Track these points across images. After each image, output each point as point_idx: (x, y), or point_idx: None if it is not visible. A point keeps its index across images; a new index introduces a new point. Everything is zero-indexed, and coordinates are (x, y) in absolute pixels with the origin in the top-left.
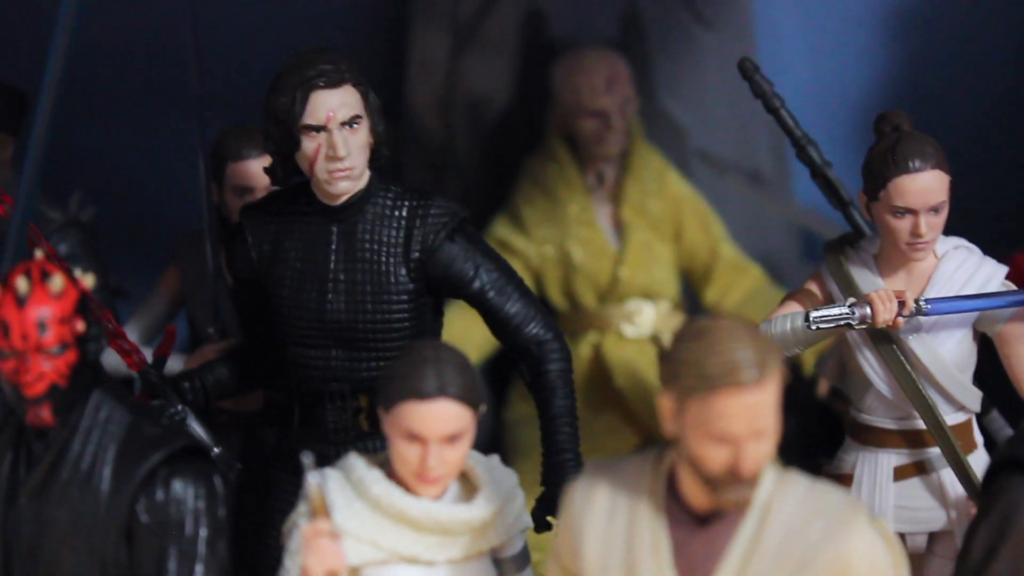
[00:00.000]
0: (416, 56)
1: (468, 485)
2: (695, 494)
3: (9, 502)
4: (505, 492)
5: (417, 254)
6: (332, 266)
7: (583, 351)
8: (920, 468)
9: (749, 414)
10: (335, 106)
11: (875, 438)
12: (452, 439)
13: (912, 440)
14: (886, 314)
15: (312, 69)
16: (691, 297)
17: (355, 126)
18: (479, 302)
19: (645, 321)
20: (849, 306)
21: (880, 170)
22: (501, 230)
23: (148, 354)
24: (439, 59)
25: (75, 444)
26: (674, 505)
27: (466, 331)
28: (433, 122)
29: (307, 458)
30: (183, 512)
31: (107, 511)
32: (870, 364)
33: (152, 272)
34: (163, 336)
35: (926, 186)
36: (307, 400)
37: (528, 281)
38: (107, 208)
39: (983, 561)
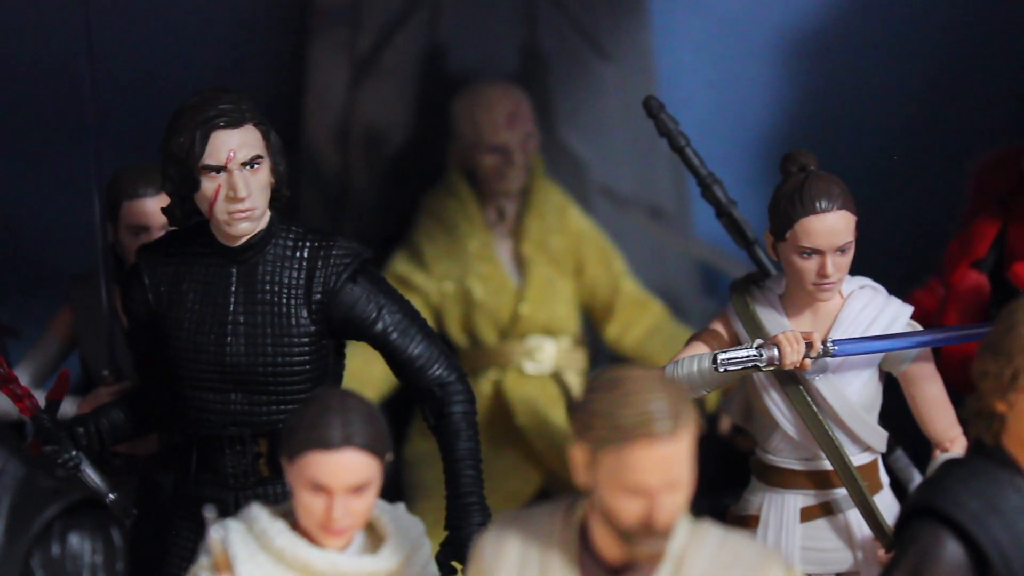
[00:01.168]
0: (313, 88)
1: (374, 535)
2: (608, 546)
3: None
4: (412, 541)
5: (319, 296)
6: (232, 308)
7: (484, 388)
8: (827, 509)
9: (663, 466)
10: (235, 146)
11: (781, 479)
12: (358, 489)
13: (818, 481)
14: (793, 356)
15: (212, 108)
16: (592, 333)
17: (256, 166)
18: (382, 344)
19: (546, 358)
20: (756, 348)
21: (787, 210)
22: (400, 266)
23: (40, 397)
24: (336, 91)
25: None
26: (587, 557)
27: (365, 370)
28: (330, 155)
29: (209, 512)
30: (80, 567)
31: (1, 566)
32: (776, 405)
33: (44, 313)
34: (56, 379)
35: (833, 227)
36: (205, 444)
37: (428, 318)
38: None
39: None
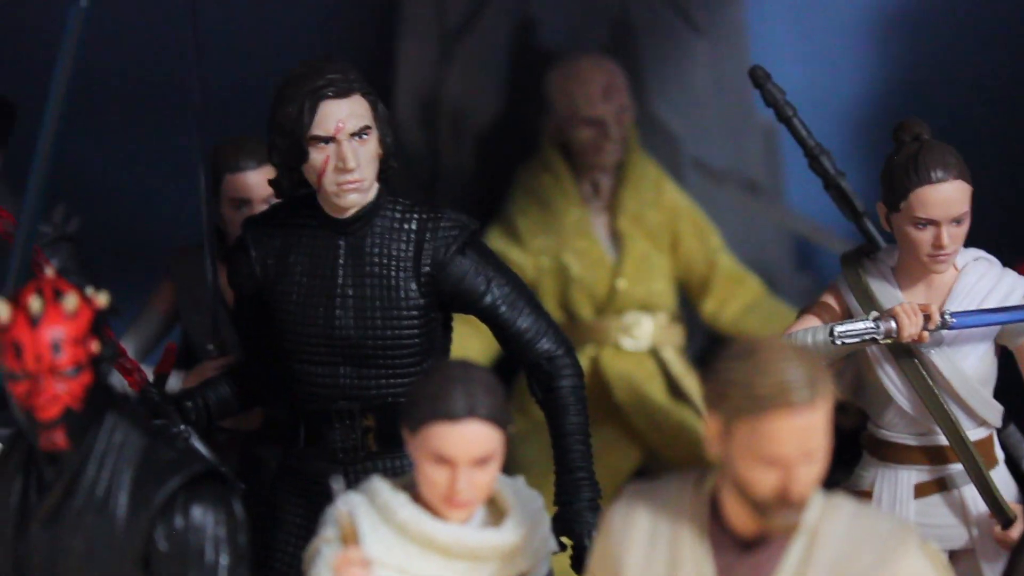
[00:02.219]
0: (402, 65)
1: (495, 509)
2: (741, 518)
3: (20, 529)
4: (532, 515)
5: (428, 268)
6: (340, 281)
7: (581, 364)
8: (941, 485)
9: (800, 436)
10: (344, 116)
11: (895, 454)
12: (482, 461)
13: (933, 456)
14: (912, 328)
15: (321, 78)
16: (689, 309)
17: (364, 137)
18: (490, 317)
19: (643, 333)
20: (874, 320)
21: (901, 181)
22: (495, 241)
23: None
24: (425, 67)
25: (89, 469)
26: (717, 530)
27: (462, 344)
28: (420, 132)
29: (337, 483)
30: (203, 539)
31: (124, 538)
32: (891, 379)
33: (142, 288)
34: (163, 353)
35: (948, 197)
36: (313, 419)
37: None
38: (98, 221)
39: None
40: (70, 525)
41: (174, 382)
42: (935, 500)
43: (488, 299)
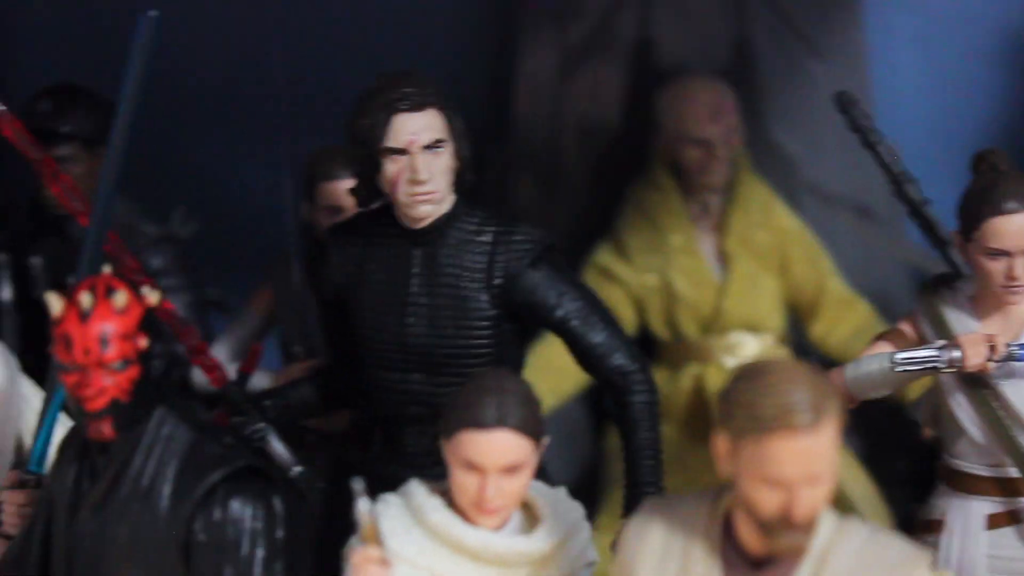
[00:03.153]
0: (523, 77)
1: (531, 517)
2: (750, 537)
3: (72, 515)
4: (569, 525)
5: (499, 280)
6: (413, 290)
7: (684, 383)
8: (1014, 517)
9: (803, 459)
10: (418, 129)
11: (967, 484)
12: (511, 470)
13: (1006, 488)
14: (976, 358)
15: (396, 92)
16: (798, 332)
17: (438, 150)
18: (562, 331)
19: (748, 354)
20: (938, 348)
21: (975, 210)
22: (604, 257)
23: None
24: (547, 81)
25: (136, 460)
26: (729, 548)
27: (565, 359)
28: (541, 145)
29: (358, 484)
30: (240, 532)
31: (166, 528)
32: (962, 409)
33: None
34: (248, 354)
35: (1021, 228)
36: (387, 423)
37: (630, 311)
38: (213, 224)
39: None
40: (116, 513)
41: (266, 383)
42: (1008, 532)
43: (560, 313)
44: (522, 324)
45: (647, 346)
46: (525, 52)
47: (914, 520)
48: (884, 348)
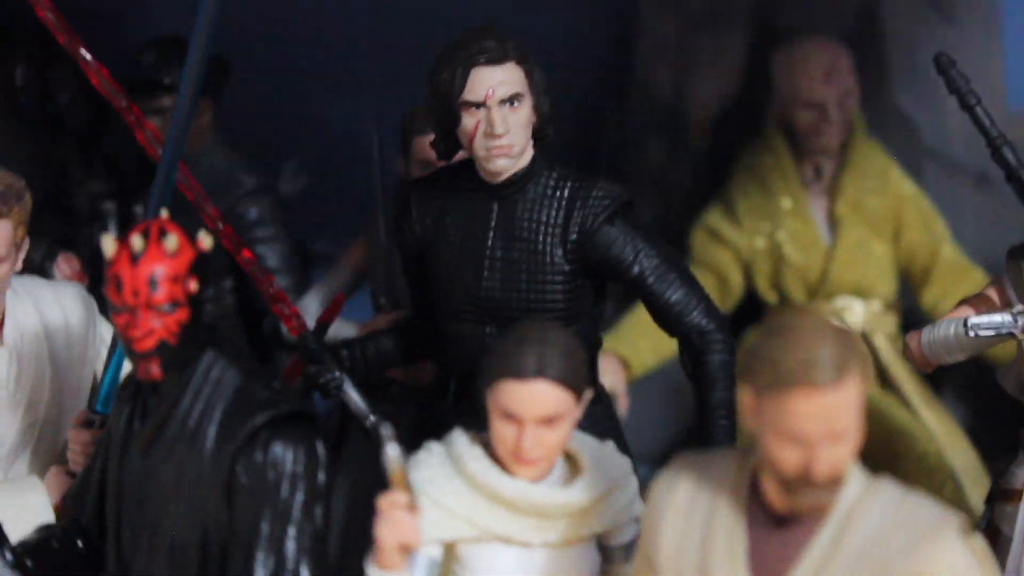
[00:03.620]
0: (646, 37)
1: (575, 469)
2: (774, 495)
3: (123, 455)
4: (613, 479)
5: (575, 235)
6: (490, 243)
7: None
8: None
9: (824, 415)
10: (495, 83)
11: None
12: (550, 421)
13: None
14: None
15: (475, 46)
16: (910, 298)
17: (516, 104)
18: (639, 288)
19: (854, 319)
20: (1013, 314)
21: None
22: (713, 219)
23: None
24: (669, 42)
25: (184, 401)
26: (755, 505)
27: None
28: (662, 103)
29: (386, 430)
30: (280, 475)
31: (210, 470)
32: None
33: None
34: (331, 304)
35: None
36: (463, 377)
37: (737, 273)
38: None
39: None
40: (163, 454)
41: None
42: None
43: (636, 270)
44: (599, 281)
45: (754, 309)
46: (647, 12)
47: (995, 488)
48: (966, 312)
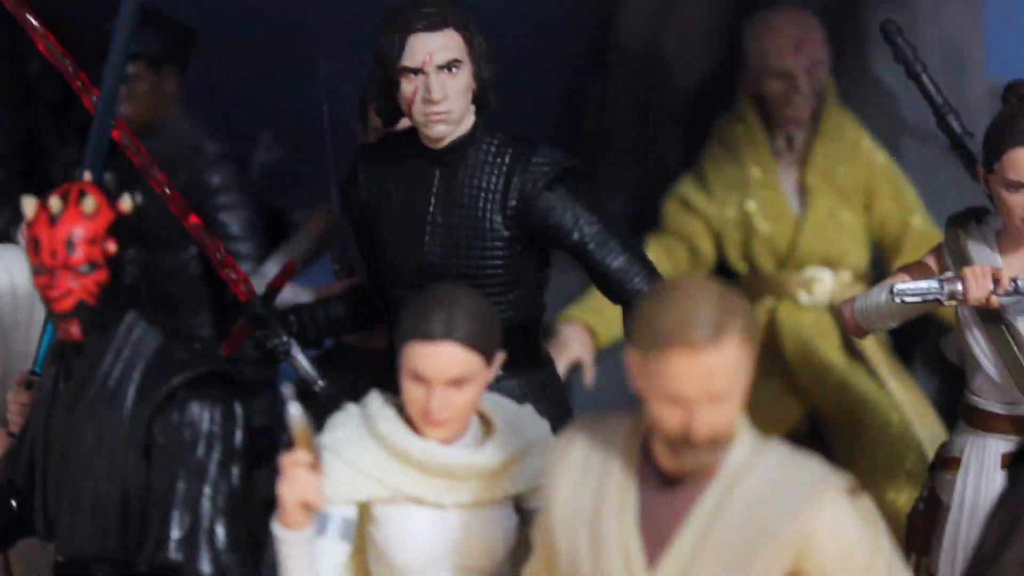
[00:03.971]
0: (624, 9)
1: (490, 431)
2: (661, 455)
3: (49, 413)
4: (527, 442)
5: (514, 202)
6: (431, 209)
7: (758, 316)
8: None
9: (701, 375)
10: (433, 49)
11: (984, 422)
12: (458, 383)
13: (1021, 427)
14: (978, 291)
15: (414, 12)
16: (882, 268)
17: (454, 70)
18: (579, 255)
19: (823, 290)
20: (940, 280)
21: (996, 141)
22: (685, 189)
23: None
24: (647, 13)
25: (105, 362)
26: (647, 465)
27: None
28: (638, 76)
29: (287, 388)
30: (197, 435)
31: (128, 430)
32: (978, 344)
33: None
34: (281, 269)
35: None
36: None
37: (708, 243)
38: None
39: (996, 548)
40: (83, 414)
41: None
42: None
43: (576, 236)
44: (541, 248)
45: (725, 279)
46: None
47: (936, 456)
48: (902, 279)
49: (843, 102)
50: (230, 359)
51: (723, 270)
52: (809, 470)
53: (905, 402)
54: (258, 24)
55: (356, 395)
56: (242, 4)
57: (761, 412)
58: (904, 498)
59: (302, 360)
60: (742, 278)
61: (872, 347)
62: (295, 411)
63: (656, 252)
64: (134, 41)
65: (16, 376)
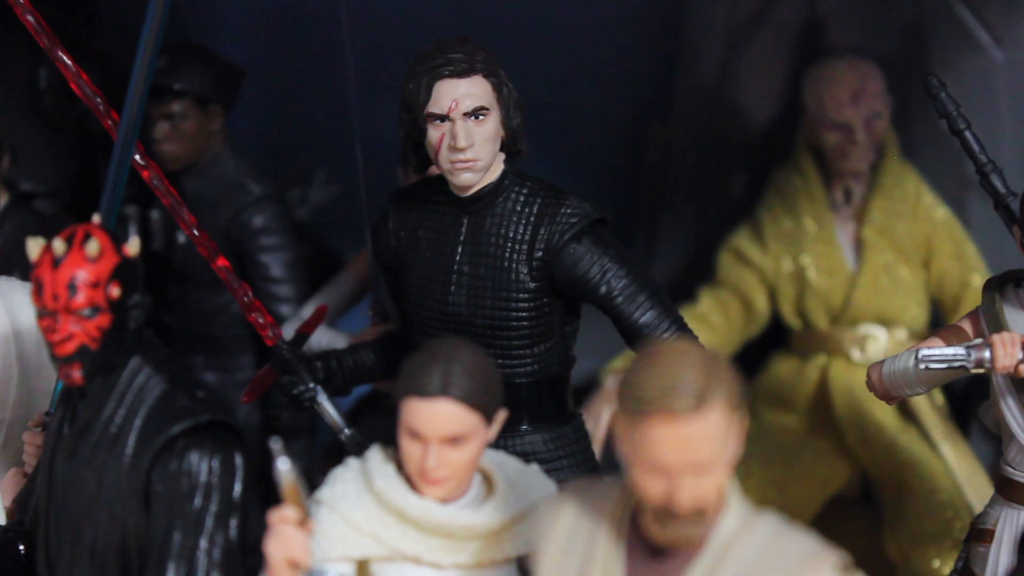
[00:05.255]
0: (688, 53)
1: (492, 491)
2: (648, 525)
3: (53, 457)
4: (530, 503)
5: (541, 253)
6: (458, 258)
7: (811, 373)
8: None
9: (683, 445)
10: (460, 96)
11: (1018, 494)
12: (454, 441)
13: None
14: (1006, 359)
15: (442, 57)
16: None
17: (481, 117)
18: (607, 308)
19: (876, 348)
20: (966, 348)
21: None
22: (740, 241)
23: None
24: (710, 61)
25: (108, 407)
26: (635, 535)
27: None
28: (700, 125)
29: (276, 444)
30: (195, 485)
31: (128, 477)
32: (1012, 414)
33: None
34: (312, 314)
35: None
36: None
37: (762, 296)
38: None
39: None
40: (85, 459)
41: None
42: None
43: (603, 290)
44: (568, 300)
45: (779, 334)
46: (691, 27)
47: (969, 527)
48: (935, 344)
49: (906, 155)
50: (267, 405)
51: (777, 325)
52: (801, 544)
53: (957, 468)
54: (306, 61)
55: (389, 443)
56: (290, 42)
57: (809, 470)
58: (949, 566)
59: (328, 407)
60: (796, 333)
61: (926, 410)
62: (284, 466)
63: (709, 305)
64: (173, 80)
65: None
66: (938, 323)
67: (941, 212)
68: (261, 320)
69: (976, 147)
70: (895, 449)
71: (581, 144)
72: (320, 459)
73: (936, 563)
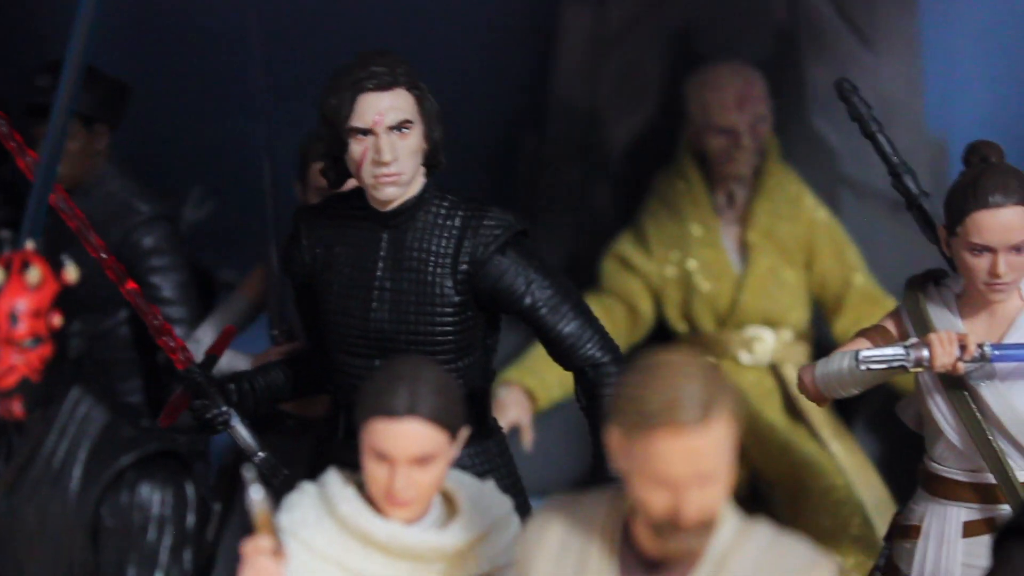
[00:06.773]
0: (561, 59)
1: (453, 510)
2: (644, 538)
3: None
4: (492, 520)
5: (465, 266)
6: (379, 274)
7: None
8: (991, 525)
9: (690, 457)
10: (383, 109)
11: (945, 490)
12: (422, 461)
13: (983, 494)
14: (944, 358)
15: (364, 71)
16: (822, 327)
17: (404, 131)
18: (531, 320)
19: (764, 349)
20: (905, 347)
21: (959, 203)
22: (624, 247)
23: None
24: (582, 69)
25: (49, 440)
26: (627, 549)
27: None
28: (574, 133)
29: (248, 472)
30: (147, 518)
31: (75, 511)
32: (940, 411)
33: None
34: (219, 335)
35: (1006, 223)
36: (351, 410)
37: (648, 302)
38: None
39: None
40: (26, 494)
41: (246, 366)
42: (984, 540)
43: (527, 300)
44: (491, 312)
45: (665, 339)
46: (561, 36)
47: (892, 524)
48: (862, 344)
49: (784, 158)
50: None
51: (662, 329)
52: (798, 553)
53: (848, 465)
54: (193, 78)
55: (294, 465)
56: (178, 58)
57: None
58: (851, 563)
59: (241, 431)
60: (681, 338)
61: (814, 409)
62: (257, 496)
63: (594, 311)
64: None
65: None
66: (819, 323)
67: (822, 213)
68: (172, 343)
69: (888, 148)
70: (789, 449)
71: (454, 155)
72: (214, 483)
73: (837, 559)
